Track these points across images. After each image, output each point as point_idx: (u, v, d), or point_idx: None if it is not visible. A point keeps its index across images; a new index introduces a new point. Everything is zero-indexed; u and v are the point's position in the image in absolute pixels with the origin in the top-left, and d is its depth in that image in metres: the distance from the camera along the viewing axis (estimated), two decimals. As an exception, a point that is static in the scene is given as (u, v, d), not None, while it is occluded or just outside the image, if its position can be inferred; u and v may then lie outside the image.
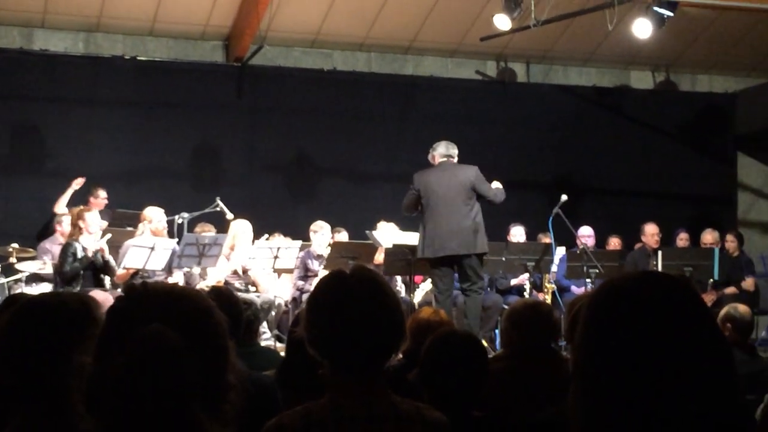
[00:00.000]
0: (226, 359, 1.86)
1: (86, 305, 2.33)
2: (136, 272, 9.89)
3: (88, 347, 2.01)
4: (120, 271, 9.94)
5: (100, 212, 10.84)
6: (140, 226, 10.39)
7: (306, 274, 11.12)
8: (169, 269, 10.22)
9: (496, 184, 9.60)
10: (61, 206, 11.57)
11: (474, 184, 9.37)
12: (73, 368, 2.17)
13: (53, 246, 10.77)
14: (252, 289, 10.69)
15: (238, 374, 1.89)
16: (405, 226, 11.14)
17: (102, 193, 11.87)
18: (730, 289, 11.55)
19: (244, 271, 10.86)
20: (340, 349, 2.39)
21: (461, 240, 9.27)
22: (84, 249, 9.73)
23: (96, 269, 9.92)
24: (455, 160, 9.60)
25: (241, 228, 10.87)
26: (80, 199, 11.56)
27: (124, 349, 1.72)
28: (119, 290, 9.98)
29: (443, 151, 9.61)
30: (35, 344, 2.22)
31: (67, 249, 9.78)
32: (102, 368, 1.76)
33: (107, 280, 10.13)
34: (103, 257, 9.84)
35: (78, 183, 11.72)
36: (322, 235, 11.30)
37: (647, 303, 1.63)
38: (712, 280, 11.25)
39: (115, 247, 10.04)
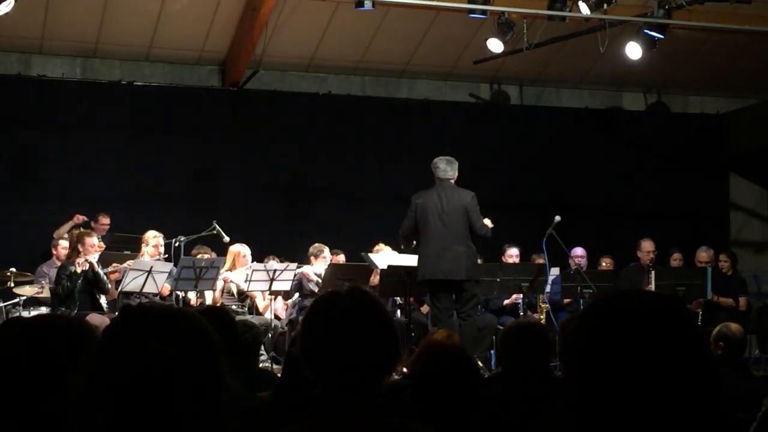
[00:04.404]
0: (221, 379, 1.87)
1: (80, 327, 2.37)
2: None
3: (83, 369, 2.05)
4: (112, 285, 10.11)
5: (101, 236, 10.96)
6: (143, 248, 10.62)
7: (303, 295, 11.17)
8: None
9: (487, 222, 9.70)
10: (60, 234, 11.64)
11: (467, 209, 9.46)
12: (67, 390, 2.15)
13: (50, 269, 10.83)
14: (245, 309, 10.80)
15: (233, 395, 1.92)
16: (400, 248, 11.19)
17: (104, 219, 11.92)
18: (727, 301, 11.62)
19: (241, 293, 10.93)
20: (334, 369, 2.39)
21: (453, 266, 9.35)
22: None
23: (92, 291, 10.00)
24: (453, 179, 9.68)
25: (240, 251, 11.00)
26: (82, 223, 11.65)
27: (120, 367, 1.77)
28: (116, 313, 10.05)
29: (442, 173, 9.67)
30: (29, 366, 2.25)
31: (61, 270, 9.93)
32: (97, 387, 1.79)
33: (103, 301, 10.20)
34: (93, 270, 9.90)
35: (78, 219, 11.76)
36: (324, 258, 11.37)
37: (636, 320, 1.66)
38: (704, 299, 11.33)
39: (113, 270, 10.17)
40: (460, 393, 3.66)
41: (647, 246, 12.07)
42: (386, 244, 11.53)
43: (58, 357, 2.26)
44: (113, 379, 1.76)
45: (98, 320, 8.96)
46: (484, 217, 9.67)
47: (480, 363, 8.70)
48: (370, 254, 10.99)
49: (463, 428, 3.64)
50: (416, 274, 9.73)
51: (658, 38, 11.96)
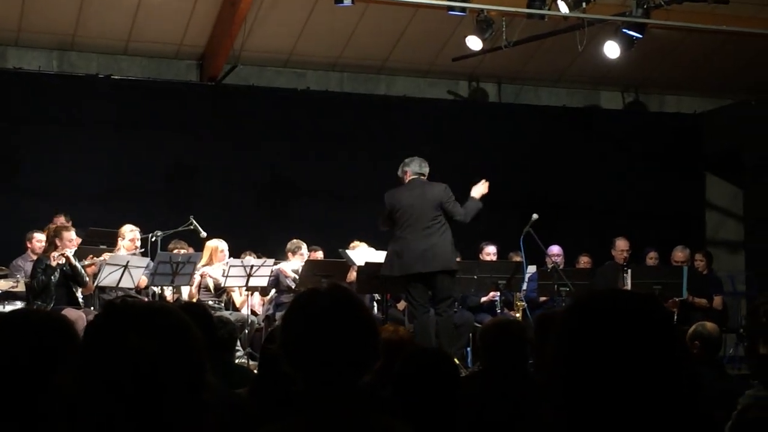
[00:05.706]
0: (203, 375, 1.88)
1: (59, 322, 2.35)
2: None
3: (67, 366, 2.03)
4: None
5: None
6: (119, 242, 10.57)
7: (280, 291, 11.16)
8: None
9: (479, 191, 9.67)
10: None
11: (441, 202, 9.43)
12: (52, 388, 2.16)
13: (26, 263, 10.75)
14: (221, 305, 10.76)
15: (213, 391, 1.91)
16: (377, 245, 11.19)
17: (58, 220, 11.66)
18: (701, 301, 11.68)
19: (218, 288, 10.90)
20: (314, 365, 2.40)
21: (425, 259, 9.28)
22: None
23: (69, 285, 9.93)
24: (425, 177, 9.66)
25: (217, 246, 10.98)
26: (45, 223, 11.48)
27: (104, 364, 1.76)
28: (92, 308, 10.01)
29: (416, 169, 9.60)
30: (13, 364, 2.22)
31: (37, 264, 9.88)
32: (82, 384, 1.79)
33: (80, 294, 10.13)
34: (69, 263, 9.83)
35: None
36: (301, 255, 11.35)
37: (613, 320, 1.68)
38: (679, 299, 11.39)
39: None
40: (439, 391, 3.66)
41: (621, 245, 12.11)
42: (364, 241, 11.52)
43: (43, 354, 2.23)
44: (102, 376, 1.75)
45: (74, 315, 8.91)
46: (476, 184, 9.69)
47: (457, 360, 8.69)
48: (347, 251, 10.99)
49: (443, 426, 3.65)
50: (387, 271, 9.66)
51: (637, 37, 12.02)
